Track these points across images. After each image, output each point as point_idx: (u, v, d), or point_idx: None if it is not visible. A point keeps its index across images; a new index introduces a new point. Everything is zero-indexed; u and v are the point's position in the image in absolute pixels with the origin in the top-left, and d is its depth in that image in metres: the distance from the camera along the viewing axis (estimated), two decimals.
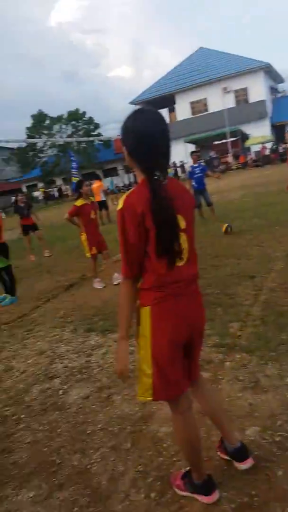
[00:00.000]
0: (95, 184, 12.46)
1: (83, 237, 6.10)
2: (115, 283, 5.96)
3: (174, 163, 31.42)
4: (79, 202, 6.00)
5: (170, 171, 29.11)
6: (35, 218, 10.13)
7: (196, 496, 1.99)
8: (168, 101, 37.62)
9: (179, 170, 31.82)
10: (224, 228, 7.83)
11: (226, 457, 2.16)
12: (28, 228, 10.05)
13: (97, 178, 14.73)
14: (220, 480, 2.05)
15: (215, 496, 1.95)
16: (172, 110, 39.09)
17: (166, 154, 1.73)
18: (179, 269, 1.72)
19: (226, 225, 7.86)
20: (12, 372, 3.85)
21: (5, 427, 2.99)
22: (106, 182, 36.59)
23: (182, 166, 30.97)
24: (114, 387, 3.17)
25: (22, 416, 3.08)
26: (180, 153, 30.17)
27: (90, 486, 2.23)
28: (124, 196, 1.69)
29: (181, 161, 31.91)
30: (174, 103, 38.34)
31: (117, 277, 5.91)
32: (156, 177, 1.65)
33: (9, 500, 2.28)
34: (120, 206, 1.67)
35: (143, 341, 1.77)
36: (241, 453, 2.09)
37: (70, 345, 4.16)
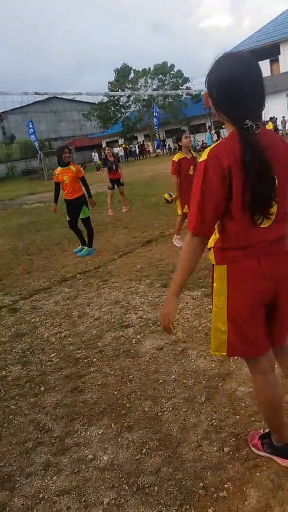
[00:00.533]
0: None
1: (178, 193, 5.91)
2: None
3: (275, 118, 29.50)
4: (177, 157, 5.76)
5: (270, 126, 27.49)
6: (122, 172, 10.31)
7: (275, 458, 1.94)
8: (271, 51, 34.90)
9: (279, 125, 29.75)
10: None
11: None
12: (115, 182, 10.28)
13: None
14: None
15: None
16: (274, 61, 36.48)
17: (259, 102, 1.58)
18: (265, 229, 1.63)
19: None
20: (86, 318, 4.04)
21: (77, 368, 3.16)
22: (200, 137, 35.74)
23: None
24: (190, 342, 3.18)
25: (94, 359, 3.22)
26: (282, 107, 28.21)
27: (159, 432, 2.29)
28: (208, 148, 1.59)
29: (283, 116, 29.71)
30: (278, 53, 35.66)
31: None
32: (247, 126, 1.52)
33: (78, 434, 2.42)
34: (203, 157, 1.57)
35: (218, 299, 1.75)
36: None
37: (146, 298, 4.23)
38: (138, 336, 3.44)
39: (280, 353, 1.95)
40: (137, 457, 2.14)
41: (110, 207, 10.26)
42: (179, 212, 6.01)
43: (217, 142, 1.63)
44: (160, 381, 2.76)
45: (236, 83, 1.54)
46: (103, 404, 2.66)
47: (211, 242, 1.75)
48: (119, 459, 2.16)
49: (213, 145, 1.61)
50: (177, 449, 2.14)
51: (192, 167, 5.76)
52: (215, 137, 30.39)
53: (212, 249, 1.75)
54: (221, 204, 1.57)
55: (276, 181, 1.58)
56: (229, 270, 1.69)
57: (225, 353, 1.82)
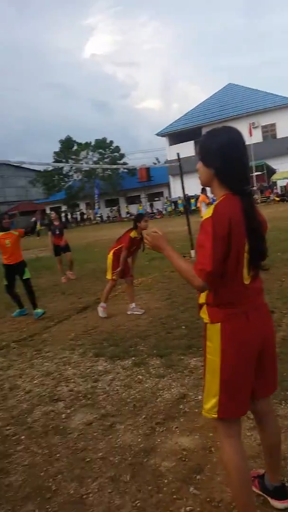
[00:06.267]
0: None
1: (110, 256, 5.86)
2: (128, 312, 5.88)
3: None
4: (133, 234, 5.83)
5: (180, 202, 27.90)
6: (66, 239, 9.60)
7: None
8: (195, 134, 38.27)
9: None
10: None
11: (258, 491, 2.05)
12: (60, 249, 9.44)
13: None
14: None
15: None
16: (198, 143, 39.59)
17: (248, 168, 1.77)
18: (248, 285, 1.72)
19: None
20: (17, 391, 3.83)
21: (4, 446, 2.94)
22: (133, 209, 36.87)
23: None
24: (118, 416, 3.11)
25: (23, 437, 3.03)
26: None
27: None
28: (213, 206, 1.66)
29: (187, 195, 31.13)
30: (200, 135, 38.79)
31: (133, 308, 5.85)
32: (249, 191, 1.70)
33: None
34: (209, 214, 1.62)
35: (212, 358, 1.74)
36: (281, 492, 1.97)
37: (78, 369, 4.12)
38: (68, 411, 3.30)
39: (260, 414, 1.91)
40: None
41: (62, 273, 9.45)
42: (109, 276, 5.85)
43: (218, 201, 1.68)
44: (87, 460, 2.64)
45: (239, 150, 1.69)
46: (28, 488, 2.47)
47: (201, 298, 1.77)
48: None
49: (216, 203, 1.67)
50: None
51: (136, 247, 5.93)
52: (148, 209, 31.54)
53: (204, 306, 1.76)
54: (225, 258, 1.61)
55: None
56: (222, 329, 1.69)
57: (216, 416, 1.76)
